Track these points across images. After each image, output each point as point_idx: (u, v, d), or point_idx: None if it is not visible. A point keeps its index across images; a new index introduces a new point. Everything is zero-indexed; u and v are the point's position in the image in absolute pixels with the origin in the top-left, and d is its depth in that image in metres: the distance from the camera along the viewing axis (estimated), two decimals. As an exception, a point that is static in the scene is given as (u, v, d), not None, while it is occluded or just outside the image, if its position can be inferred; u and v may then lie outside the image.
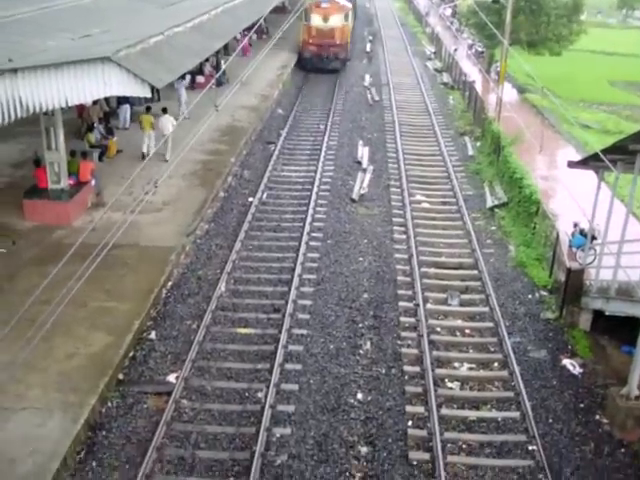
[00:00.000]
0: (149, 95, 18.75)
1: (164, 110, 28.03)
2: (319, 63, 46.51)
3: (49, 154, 21.47)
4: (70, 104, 18.30)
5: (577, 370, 16.70)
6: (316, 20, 46.35)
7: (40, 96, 17.23)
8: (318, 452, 13.63)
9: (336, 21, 46.50)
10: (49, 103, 17.59)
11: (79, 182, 22.38)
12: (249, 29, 34.19)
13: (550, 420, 14.92)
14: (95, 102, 27.73)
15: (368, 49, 56.15)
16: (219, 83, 31.20)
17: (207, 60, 34.96)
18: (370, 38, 60.57)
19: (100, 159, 25.96)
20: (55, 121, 20.91)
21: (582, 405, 15.51)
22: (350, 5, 50.01)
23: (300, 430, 14.12)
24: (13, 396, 13.62)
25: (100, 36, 21.68)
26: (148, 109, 27.56)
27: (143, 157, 26.15)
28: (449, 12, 71.59)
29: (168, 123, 26.85)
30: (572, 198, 21.02)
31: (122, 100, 29.81)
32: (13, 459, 12.34)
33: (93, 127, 27.35)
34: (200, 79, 37.06)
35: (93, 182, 22.80)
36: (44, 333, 10.35)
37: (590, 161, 17.84)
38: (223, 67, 26.33)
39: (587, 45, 50.10)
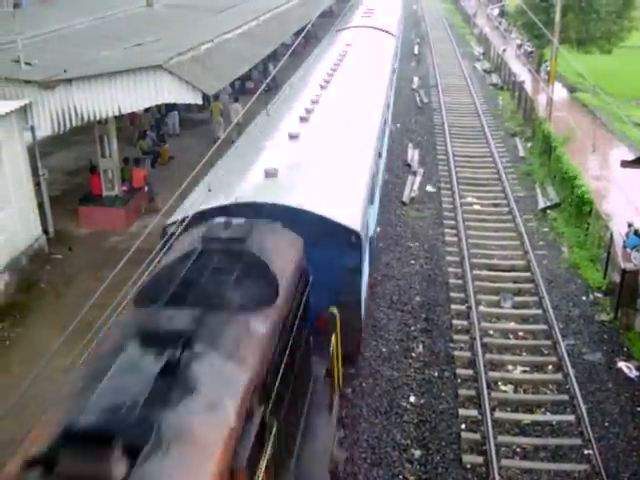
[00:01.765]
0: (200, 102, 19.03)
1: (236, 99, 29.09)
2: None
3: (103, 161, 21.91)
4: (123, 112, 18.72)
5: (633, 373, 16.40)
6: None
7: (94, 105, 17.69)
8: (371, 455, 13.63)
9: None
10: (103, 112, 18.04)
11: (133, 188, 22.78)
12: (298, 33, 34.42)
13: (606, 424, 14.67)
14: (147, 110, 28.26)
15: (416, 51, 55.88)
16: (268, 88, 31.50)
17: (255, 66, 35.32)
18: (417, 40, 60.34)
19: (153, 166, 26.42)
20: (109, 129, 21.33)
21: (639, 409, 15.27)
22: None
23: (353, 433, 14.14)
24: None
25: (152, 44, 22.09)
26: (216, 97, 28.15)
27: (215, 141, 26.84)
28: (497, 12, 71.00)
29: (237, 110, 27.75)
30: (626, 198, 20.70)
31: (170, 107, 30.30)
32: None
33: (145, 134, 27.82)
34: (249, 84, 37.45)
35: (146, 188, 23.19)
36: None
37: (644, 160, 17.60)
38: (273, 72, 26.63)
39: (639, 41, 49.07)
